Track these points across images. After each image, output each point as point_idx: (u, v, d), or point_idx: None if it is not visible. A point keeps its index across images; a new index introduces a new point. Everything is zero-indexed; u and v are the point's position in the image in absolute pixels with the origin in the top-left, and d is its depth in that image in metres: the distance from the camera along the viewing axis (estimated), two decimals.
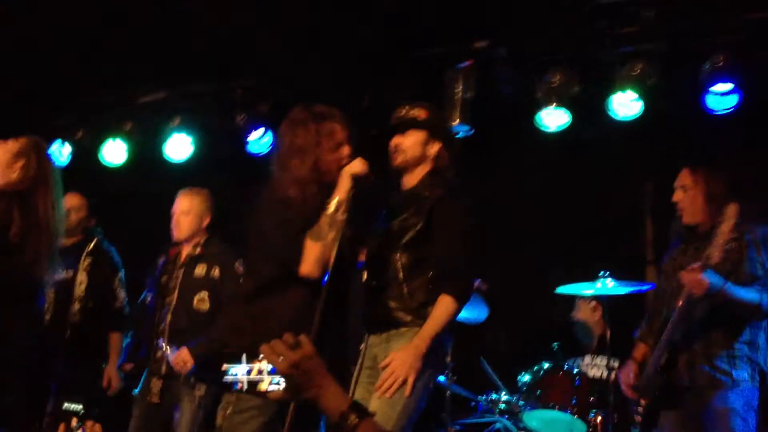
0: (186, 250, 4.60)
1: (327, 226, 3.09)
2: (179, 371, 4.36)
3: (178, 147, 6.03)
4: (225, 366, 2.07)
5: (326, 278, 3.05)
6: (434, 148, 3.40)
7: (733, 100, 4.83)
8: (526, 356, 5.00)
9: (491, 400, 4.92)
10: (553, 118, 5.22)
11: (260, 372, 2.02)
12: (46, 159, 3.76)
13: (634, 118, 5.03)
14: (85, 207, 4.95)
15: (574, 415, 4.53)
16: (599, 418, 4.50)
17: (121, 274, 4.92)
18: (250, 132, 5.82)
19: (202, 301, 4.47)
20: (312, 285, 3.08)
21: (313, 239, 3.11)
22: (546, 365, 4.80)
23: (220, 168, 6.01)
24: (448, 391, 4.78)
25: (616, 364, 4.43)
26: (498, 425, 4.85)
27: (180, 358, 4.34)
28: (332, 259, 3.07)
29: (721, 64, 4.77)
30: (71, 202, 4.82)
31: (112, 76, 5.74)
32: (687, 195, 3.93)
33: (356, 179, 3.16)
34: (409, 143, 3.38)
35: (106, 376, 4.73)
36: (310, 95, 3.64)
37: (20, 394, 3.57)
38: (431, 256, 3.23)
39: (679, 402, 3.79)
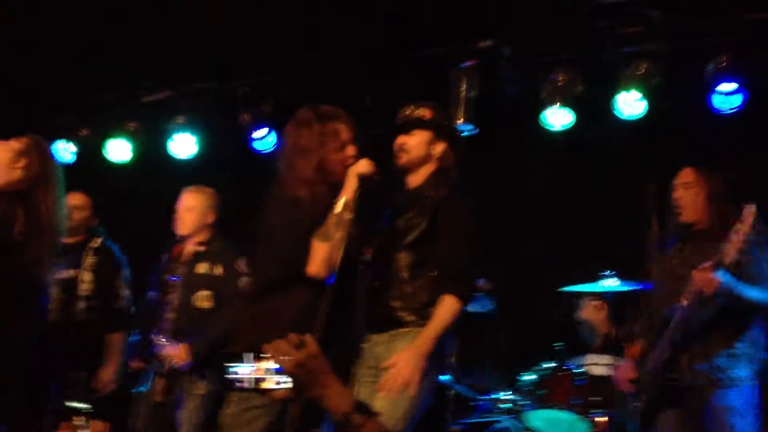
0: (189, 248, 4.60)
1: (334, 227, 3.10)
2: (175, 366, 4.36)
3: (183, 145, 6.03)
4: (229, 364, 2.07)
5: (333, 278, 3.05)
6: (439, 148, 3.40)
7: (737, 99, 4.83)
8: (529, 356, 4.99)
9: (494, 399, 4.92)
10: (558, 118, 5.23)
11: (264, 371, 2.02)
12: (48, 158, 3.76)
13: (639, 117, 5.03)
14: (89, 206, 4.95)
15: (577, 414, 4.53)
16: (602, 418, 4.50)
17: (125, 272, 4.92)
18: (253, 130, 5.83)
19: (203, 299, 4.47)
20: (318, 285, 3.09)
21: (321, 240, 3.11)
22: (549, 365, 4.80)
23: (225, 166, 6.02)
24: (451, 391, 4.78)
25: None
26: (500, 425, 4.85)
27: (177, 353, 4.34)
28: (339, 259, 3.07)
29: (725, 64, 4.77)
30: (74, 201, 4.82)
31: (116, 75, 5.75)
32: (688, 193, 3.94)
33: (362, 179, 3.16)
34: (414, 143, 3.38)
35: (98, 378, 4.70)
36: (312, 94, 3.65)
37: (20, 393, 3.57)
38: (435, 256, 3.23)
39: (679, 401, 3.79)
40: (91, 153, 6.19)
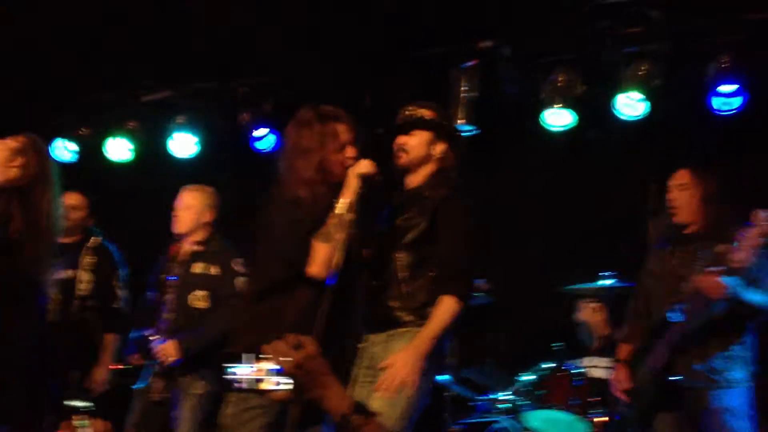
0: (186, 247, 4.60)
1: (335, 228, 3.10)
2: (163, 362, 4.37)
3: (183, 145, 6.03)
4: (228, 365, 2.07)
5: (332, 278, 3.05)
6: (439, 148, 3.40)
7: (737, 101, 4.82)
8: (528, 356, 4.99)
9: (492, 399, 4.92)
10: (558, 118, 5.22)
11: (263, 372, 2.02)
12: (45, 156, 3.75)
13: (639, 118, 5.03)
14: (85, 206, 4.94)
15: (575, 415, 4.53)
16: (600, 418, 4.50)
17: (121, 272, 4.91)
18: (253, 130, 5.83)
19: (199, 299, 4.46)
20: (319, 285, 3.08)
21: (321, 240, 3.12)
22: (547, 365, 4.80)
23: (225, 166, 6.02)
24: (449, 391, 4.78)
25: None
26: (498, 425, 4.85)
27: (165, 350, 4.35)
28: (339, 260, 3.07)
29: (726, 64, 4.77)
30: (71, 200, 4.82)
31: (117, 74, 5.75)
32: (683, 195, 3.94)
33: (363, 180, 3.16)
34: (414, 143, 3.38)
35: (91, 378, 4.69)
36: (312, 94, 3.64)
37: (20, 393, 3.56)
38: (434, 256, 3.23)
39: (676, 403, 3.80)
40: (91, 152, 6.18)
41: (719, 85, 4.83)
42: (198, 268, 4.50)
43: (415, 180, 3.39)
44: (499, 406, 4.85)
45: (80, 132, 6.19)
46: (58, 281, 4.60)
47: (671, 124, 5.13)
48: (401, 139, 3.39)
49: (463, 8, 4.95)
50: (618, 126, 5.11)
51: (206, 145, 6.06)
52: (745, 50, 4.73)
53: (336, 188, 3.22)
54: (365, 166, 3.18)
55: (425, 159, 3.38)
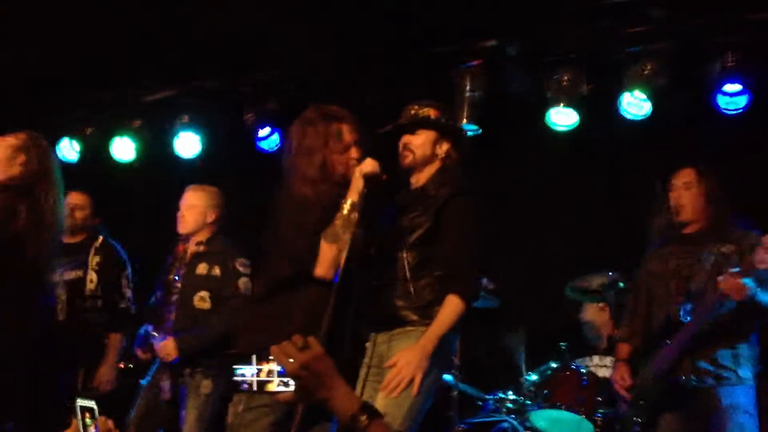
0: (191, 248, 4.60)
1: (341, 228, 3.09)
2: (163, 360, 4.39)
3: (187, 144, 6.04)
4: (235, 366, 2.07)
5: (337, 278, 3.05)
6: (444, 148, 3.40)
7: (742, 100, 4.81)
8: (534, 355, 4.99)
9: (499, 398, 4.92)
10: (563, 118, 5.21)
11: (269, 373, 2.01)
12: (46, 154, 3.76)
13: (644, 117, 5.02)
14: (89, 205, 4.94)
15: (581, 415, 4.52)
16: (607, 418, 4.49)
17: (128, 271, 4.92)
18: (258, 129, 5.83)
19: (202, 299, 4.46)
20: (326, 285, 3.08)
21: (328, 241, 3.12)
22: (554, 365, 4.80)
23: (229, 165, 6.02)
24: (455, 390, 4.78)
25: None
26: (505, 424, 4.84)
27: (164, 348, 4.36)
28: (344, 259, 3.07)
29: (731, 64, 4.75)
30: (75, 200, 4.83)
31: (121, 74, 5.75)
32: (689, 193, 3.94)
33: (368, 179, 3.15)
34: (418, 142, 3.38)
35: (97, 377, 4.70)
36: (316, 93, 3.65)
37: (26, 391, 3.57)
38: (439, 256, 3.23)
39: (683, 403, 3.79)
40: (95, 152, 6.19)
41: (724, 84, 4.81)
42: (201, 268, 4.51)
43: (419, 179, 3.39)
44: (506, 405, 4.84)
45: (85, 131, 6.19)
46: (67, 282, 4.62)
47: (676, 123, 5.11)
48: (406, 139, 3.40)
49: (468, 7, 4.94)
50: (623, 125, 5.10)
51: (210, 144, 6.06)
52: (749, 50, 4.71)
53: (340, 188, 3.22)
54: (369, 165, 3.18)
55: (430, 158, 3.38)
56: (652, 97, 4.93)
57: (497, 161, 5.52)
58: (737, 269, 3.56)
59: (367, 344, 3.36)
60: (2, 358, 3.48)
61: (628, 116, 5.05)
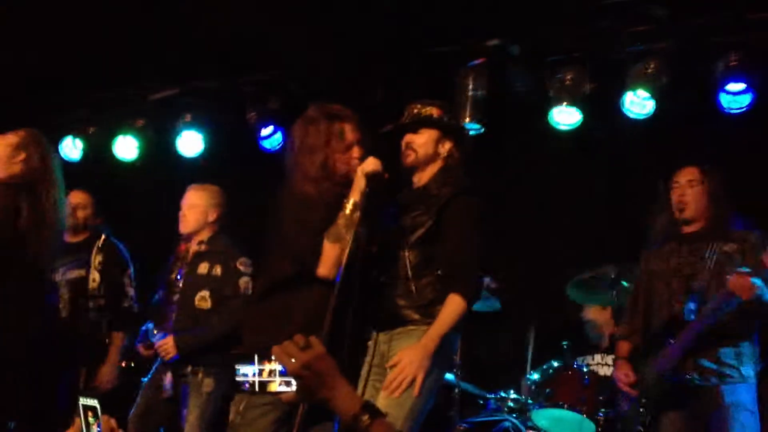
0: (192, 247, 4.60)
1: (344, 228, 3.09)
2: (162, 357, 4.41)
3: (190, 143, 6.04)
4: (237, 366, 2.07)
5: (338, 277, 3.05)
6: (446, 147, 3.39)
7: (745, 99, 4.80)
8: (536, 354, 4.99)
9: (500, 398, 4.92)
10: (565, 117, 5.20)
11: (271, 373, 2.01)
12: (47, 151, 3.75)
13: (646, 116, 5.01)
14: (92, 204, 4.94)
15: (583, 414, 4.52)
16: (608, 417, 4.49)
17: (130, 270, 4.92)
18: (260, 128, 5.83)
19: (203, 299, 4.47)
20: (328, 284, 3.08)
21: (331, 241, 3.12)
22: (556, 364, 4.79)
23: (232, 164, 6.02)
24: (457, 389, 4.78)
25: None
26: (507, 424, 4.84)
27: (164, 346, 4.38)
28: (345, 259, 3.07)
29: (733, 63, 4.75)
30: (77, 199, 4.83)
31: (124, 72, 5.75)
32: (693, 191, 3.94)
33: (370, 178, 3.15)
34: (421, 141, 3.38)
35: (98, 376, 4.70)
36: (319, 92, 3.65)
37: (28, 390, 3.57)
38: (440, 255, 3.23)
39: (686, 402, 3.80)
40: (98, 151, 6.20)
41: (727, 83, 4.81)
42: (202, 268, 4.51)
43: (421, 178, 3.39)
44: (508, 404, 4.84)
45: (88, 130, 6.19)
46: (69, 281, 4.62)
47: (679, 122, 5.11)
48: (408, 138, 3.39)
49: (471, 7, 4.94)
50: (625, 124, 5.09)
51: (213, 143, 6.06)
52: (753, 49, 4.70)
53: (342, 187, 3.22)
54: (371, 164, 3.17)
55: (432, 157, 3.38)
56: (655, 97, 4.92)
57: (499, 160, 5.52)
58: (746, 269, 3.56)
59: (369, 343, 3.36)
60: (3, 357, 3.48)
61: (631, 115, 5.04)
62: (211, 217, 4.61)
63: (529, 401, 4.73)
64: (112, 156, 6.16)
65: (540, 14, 4.95)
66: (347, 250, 3.06)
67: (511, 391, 4.90)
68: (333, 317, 2.89)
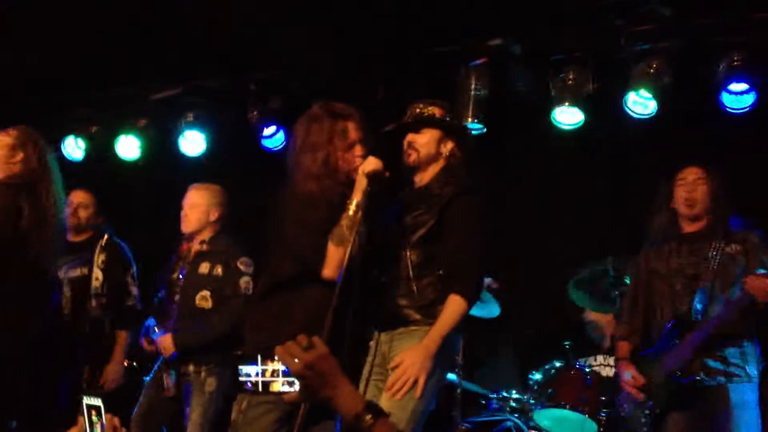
0: (194, 247, 4.61)
1: (348, 229, 3.08)
2: (161, 354, 4.42)
3: (192, 143, 6.04)
4: (239, 366, 2.07)
5: (340, 277, 3.05)
6: (448, 147, 3.39)
7: (749, 99, 4.80)
8: (538, 354, 4.99)
9: (502, 398, 4.92)
10: (568, 116, 5.20)
11: (274, 373, 2.01)
12: (45, 150, 3.74)
13: (649, 116, 5.01)
14: (94, 203, 4.94)
15: (585, 414, 4.52)
16: (610, 417, 4.49)
17: (133, 269, 4.93)
18: (262, 128, 5.83)
19: (204, 299, 4.47)
20: (329, 285, 3.08)
21: (335, 243, 3.11)
22: (558, 364, 4.79)
23: (234, 163, 6.02)
24: (459, 389, 4.78)
25: None
26: (508, 423, 4.84)
27: (163, 343, 4.39)
28: (347, 258, 3.07)
29: (736, 63, 4.74)
30: (79, 198, 4.84)
31: (126, 72, 5.75)
32: (699, 191, 3.94)
33: (371, 177, 3.14)
34: (423, 141, 3.38)
35: (104, 374, 4.71)
36: (321, 91, 3.65)
37: (30, 389, 3.57)
38: (442, 255, 3.23)
39: (691, 402, 3.79)
40: (101, 150, 6.20)
41: (730, 83, 4.80)
42: (203, 267, 4.52)
43: (423, 178, 3.39)
44: (510, 404, 4.84)
45: (90, 130, 6.20)
46: (72, 279, 4.63)
47: (681, 122, 5.10)
48: (410, 137, 3.39)
49: (474, 6, 4.93)
50: (628, 124, 5.09)
51: (215, 143, 6.06)
52: (757, 49, 4.70)
53: (344, 187, 3.21)
54: (372, 163, 3.16)
55: (434, 157, 3.38)
56: (658, 96, 4.91)
57: (501, 160, 5.52)
58: (763, 270, 3.57)
59: (371, 343, 3.35)
60: (4, 357, 3.48)
61: (634, 115, 5.03)
62: (213, 216, 4.61)
63: (532, 401, 4.73)
64: (115, 155, 6.16)
65: (542, 13, 4.95)
66: (349, 250, 3.05)
67: (513, 391, 4.90)
68: (333, 317, 2.89)
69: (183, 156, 6.07)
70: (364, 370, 3.31)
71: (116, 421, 2.17)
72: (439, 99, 3.50)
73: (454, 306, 3.14)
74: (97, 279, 4.71)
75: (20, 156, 3.63)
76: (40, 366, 3.65)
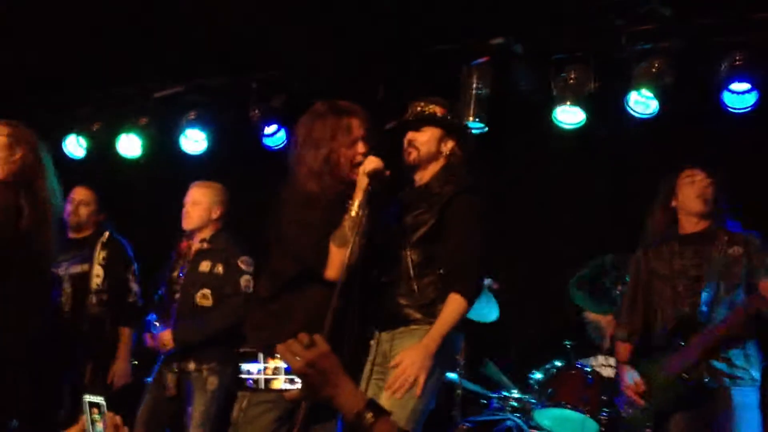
0: (194, 245, 4.60)
1: (350, 230, 3.07)
2: (159, 350, 4.43)
3: (194, 141, 6.04)
4: (240, 363, 2.07)
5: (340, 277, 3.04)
6: (448, 145, 3.39)
7: (750, 99, 4.80)
8: (539, 354, 4.98)
9: (503, 397, 4.92)
10: (569, 116, 5.20)
11: (275, 370, 2.01)
12: (39, 145, 3.73)
13: (651, 116, 5.01)
14: (95, 201, 4.94)
15: (585, 414, 4.52)
16: (611, 417, 4.49)
17: (134, 267, 4.93)
18: (264, 126, 5.83)
19: (204, 297, 4.47)
20: (331, 285, 3.07)
21: (338, 245, 3.09)
22: (558, 364, 4.79)
23: (235, 162, 6.02)
24: (459, 389, 4.77)
25: None
26: (509, 423, 4.84)
27: (161, 338, 4.40)
28: (348, 258, 3.06)
29: (738, 62, 4.74)
30: (80, 195, 4.84)
31: (128, 70, 5.75)
32: (708, 190, 3.95)
33: (372, 176, 3.13)
34: (423, 139, 3.38)
35: (111, 372, 4.72)
36: (323, 90, 3.64)
37: (31, 387, 3.57)
38: (442, 254, 3.23)
39: (694, 404, 3.79)
40: (102, 148, 6.20)
41: (732, 82, 4.80)
42: (204, 266, 4.51)
43: (423, 177, 3.39)
44: (510, 404, 4.84)
45: (92, 128, 6.20)
46: (72, 276, 4.63)
47: (683, 122, 5.10)
48: (411, 135, 3.39)
49: (476, 5, 4.93)
50: (629, 124, 5.09)
51: (216, 141, 6.06)
52: (758, 48, 4.70)
53: (345, 186, 3.20)
54: (372, 163, 3.15)
55: (434, 156, 3.38)
56: (659, 96, 4.91)
57: (502, 159, 5.52)
58: None
59: (371, 342, 3.35)
60: (5, 356, 3.47)
61: (635, 115, 5.03)
62: (215, 214, 4.61)
63: (532, 401, 4.72)
64: (116, 154, 6.16)
65: (543, 13, 4.95)
66: (350, 250, 3.04)
67: (514, 391, 4.90)
68: (336, 316, 2.89)
69: (184, 154, 6.07)
70: (364, 369, 3.31)
71: (118, 419, 2.17)
72: (440, 97, 3.50)
73: (454, 305, 3.13)
74: (97, 276, 4.71)
75: (19, 154, 3.62)
76: (40, 366, 3.64)
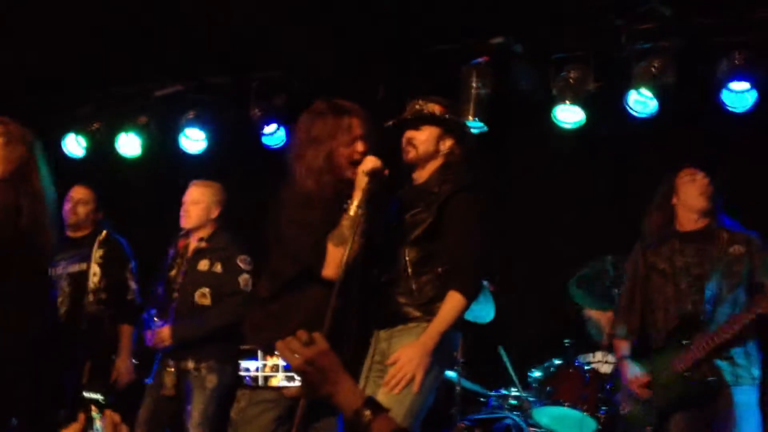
0: (193, 244, 4.61)
1: (348, 230, 3.07)
2: (156, 346, 4.44)
3: (193, 140, 6.05)
4: (240, 361, 2.07)
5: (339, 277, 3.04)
6: (447, 144, 3.39)
7: (750, 98, 4.80)
8: (537, 352, 4.99)
9: (501, 395, 4.92)
10: (569, 115, 5.20)
11: (274, 368, 2.01)
12: (33, 143, 3.73)
13: (650, 115, 5.01)
14: (93, 199, 4.93)
15: (584, 411, 4.52)
16: (609, 415, 4.49)
17: (132, 265, 4.92)
18: (263, 126, 5.83)
19: (203, 296, 4.48)
20: (329, 284, 3.07)
21: (336, 243, 3.09)
22: (557, 362, 4.79)
23: (235, 161, 6.02)
24: (458, 387, 4.78)
25: None
26: (508, 421, 4.85)
27: (160, 334, 4.40)
28: (346, 257, 3.06)
29: (738, 62, 4.74)
30: (79, 194, 4.84)
31: (128, 69, 5.76)
32: (710, 189, 3.95)
33: (371, 175, 3.13)
34: (422, 138, 3.38)
35: (115, 370, 4.73)
36: (323, 90, 3.64)
37: (31, 387, 3.57)
38: (441, 252, 3.23)
39: (698, 402, 3.80)
40: (101, 147, 6.21)
41: (731, 82, 4.80)
42: (203, 265, 4.52)
43: (422, 175, 3.39)
44: (509, 402, 4.84)
45: (91, 127, 6.20)
46: (70, 275, 4.63)
47: (683, 121, 5.10)
48: (409, 134, 3.39)
49: (476, 5, 4.94)
50: (629, 123, 5.09)
51: (216, 140, 6.07)
52: (758, 48, 4.70)
53: (344, 185, 3.20)
54: (371, 162, 3.15)
55: (433, 154, 3.38)
56: (659, 95, 4.91)
57: (502, 158, 5.52)
58: None
59: (370, 340, 3.35)
60: (5, 356, 3.47)
61: (635, 114, 5.03)
62: (214, 213, 4.62)
63: (531, 399, 4.73)
64: (116, 153, 6.17)
65: (543, 12, 4.95)
66: (349, 250, 3.04)
67: (513, 389, 4.90)
68: (335, 314, 2.89)
69: (184, 153, 6.07)
70: (363, 367, 3.31)
71: (117, 417, 2.17)
72: (439, 96, 3.50)
73: (452, 303, 3.13)
74: (95, 274, 4.71)
75: (16, 152, 3.61)
76: (40, 366, 3.64)
